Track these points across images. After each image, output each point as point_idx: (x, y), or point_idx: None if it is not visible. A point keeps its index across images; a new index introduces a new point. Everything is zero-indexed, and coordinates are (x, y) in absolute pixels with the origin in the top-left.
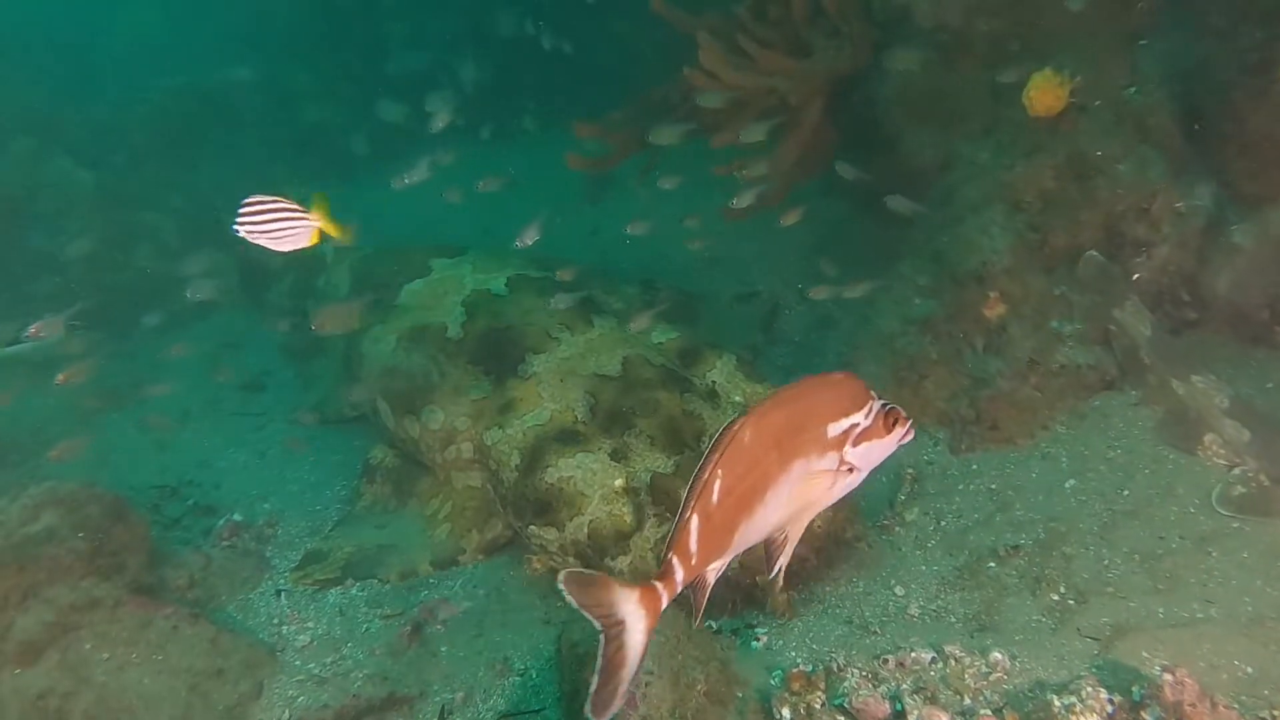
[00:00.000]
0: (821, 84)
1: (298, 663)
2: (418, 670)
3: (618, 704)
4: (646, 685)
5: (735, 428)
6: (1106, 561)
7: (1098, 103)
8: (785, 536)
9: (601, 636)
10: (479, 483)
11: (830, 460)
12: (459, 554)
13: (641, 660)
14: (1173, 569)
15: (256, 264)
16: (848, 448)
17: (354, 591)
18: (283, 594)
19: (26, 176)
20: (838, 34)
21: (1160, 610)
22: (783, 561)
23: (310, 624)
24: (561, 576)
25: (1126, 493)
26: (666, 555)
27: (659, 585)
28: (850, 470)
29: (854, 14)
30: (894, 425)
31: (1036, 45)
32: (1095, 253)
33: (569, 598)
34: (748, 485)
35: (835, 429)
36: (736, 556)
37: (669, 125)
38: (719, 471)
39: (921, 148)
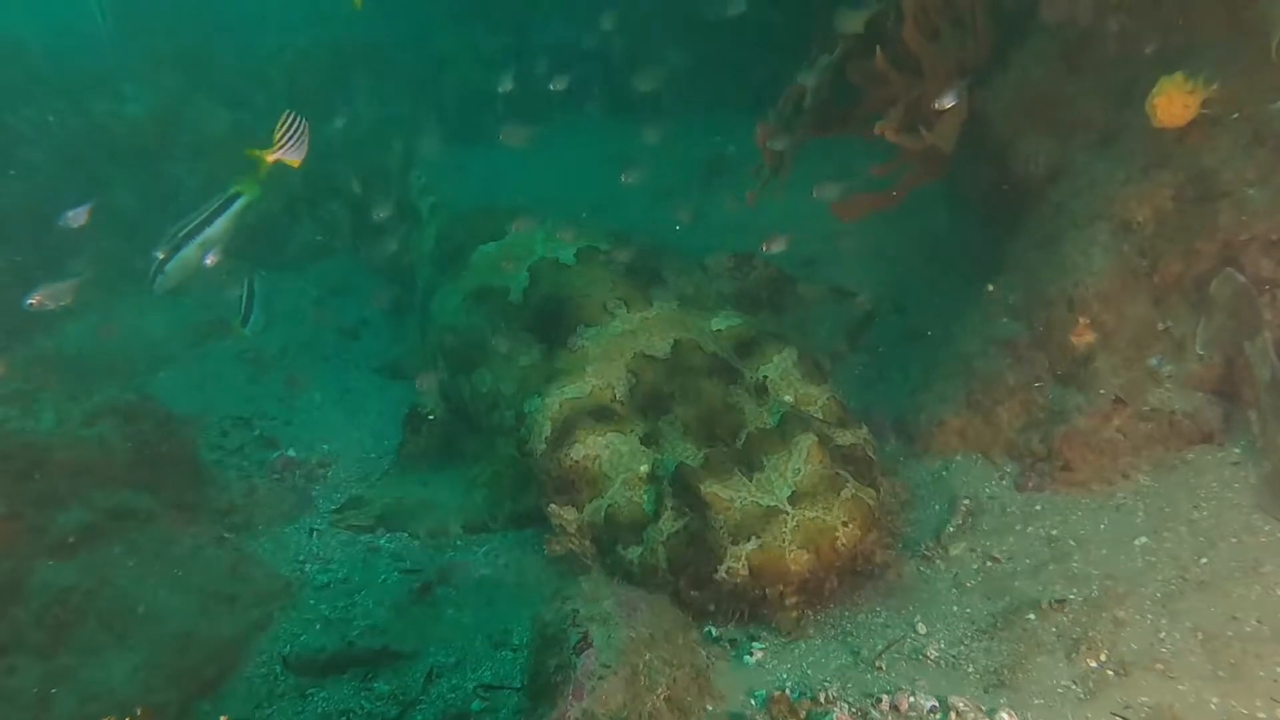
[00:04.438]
0: (952, 70)
1: (311, 602)
2: (419, 629)
3: None
4: (600, 679)
5: None
6: (1163, 634)
7: (1235, 115)
8: None
9: None
10: (519, 451)
11: None
12: (490, 520)
13: None
14: (1240, 656)
15: (368, 215)
16: None
17: (382, 542)
18: (315, 533)
19: (172, 109)
20: (961, 24)
21: (1214, 700)
22: None
23: (333, 567)
24: None
25: (1204, 561)
26: None
27: None
28: None
29: (980, 5)
30: None
31: (1176, 46)
32: (1234, 271)
33: None
34: None
35: None
36: None
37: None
38: None
39: (1034, 155)
